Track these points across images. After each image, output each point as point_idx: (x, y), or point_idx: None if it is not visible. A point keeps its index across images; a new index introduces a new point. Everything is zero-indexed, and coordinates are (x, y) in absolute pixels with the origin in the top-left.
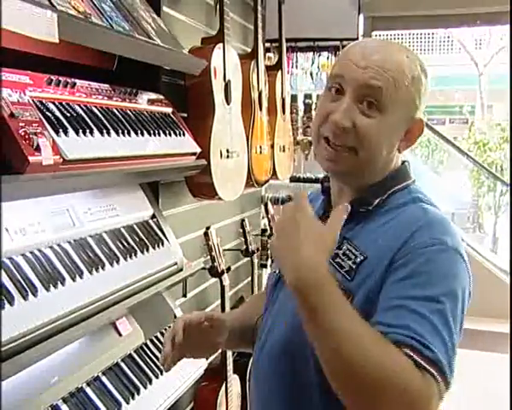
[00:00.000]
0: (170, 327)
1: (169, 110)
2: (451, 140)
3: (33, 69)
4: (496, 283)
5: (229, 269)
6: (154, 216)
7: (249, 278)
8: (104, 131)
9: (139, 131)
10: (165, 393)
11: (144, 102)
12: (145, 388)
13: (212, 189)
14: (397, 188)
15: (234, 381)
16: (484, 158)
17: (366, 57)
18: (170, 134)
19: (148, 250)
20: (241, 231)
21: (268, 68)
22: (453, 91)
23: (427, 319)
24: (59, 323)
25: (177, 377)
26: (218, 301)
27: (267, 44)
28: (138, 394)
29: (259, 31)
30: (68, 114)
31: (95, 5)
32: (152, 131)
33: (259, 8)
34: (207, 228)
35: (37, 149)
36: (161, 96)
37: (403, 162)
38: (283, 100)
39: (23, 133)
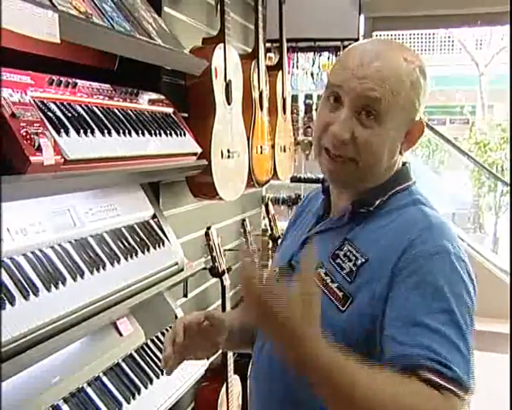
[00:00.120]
0: (171, 327)
1: (170, 110)
2: (452, 140)
3: (34, 69)
4: (496, 283)
5: (229, 269)
6: (154, 216)
7: None
8: (105, 131)
9: (140, 132)
10: (166, 393)
11: (145, 102)
12: (146, 388)
13: (212, 189)
14: (398, 189)
15: (234, 381)
16: (484, 158)
17: (364, 67)
18: (171, 134)
19: (148, 250)
20: (242, 231)
21: (269, 68)
22: (454, 92)
23: (442, 333)
24: (60, 323)
25: (178, 377)
26: (219, 302)
27: (268, 44)
28: (139, 394)
29: (260, 31)
30: (69, 114)
31: (96, 5)
32: (153, 132)
33: (260, 8)
34: (208, 228)
35: (39, 149)
36: (162, 97)
37: (403, 164)
38: (284, 100)
39: (24, 133)
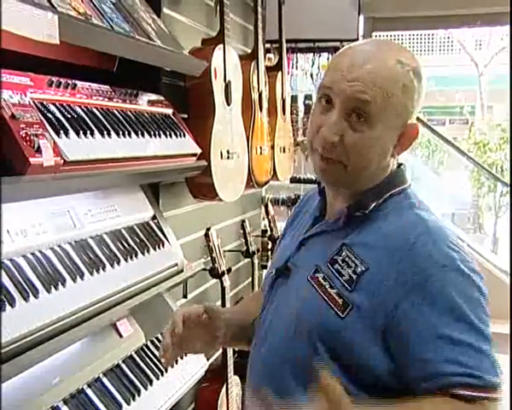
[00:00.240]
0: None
1: (169, 111)
2: (451, 141)
3: (34, 71)
4: (496, 283)
5: (229, 270)
6: (154, 217)
7: (250, 279)
8: (105, 132)
9: (140, 133)
10: (166, 394)
11: (145, 103)
12: (146, 389)
13: (212, 190)
14: (393, 192)
15: (234, 382)
16: (484, 159)
17: (355, 69)
18: (170, 135)
19: (148, 251)
20: (242, 231)
21: (268, 69)
22: (453, 92)
23: (466, 343)
24: (60, 324)
25: (178, 378)
26: (219, 303)
27: (267, 45)
28: (139, 395)
29: (260, 32)
30: (69, 116)
31: (95, 6)
32: (152, 133)
33: (259, 8)
34: (208, 229)
35: (38, 150)
36: (162, 98)
37: (399, 165)
38: (283, 101)
39: (24, 135)
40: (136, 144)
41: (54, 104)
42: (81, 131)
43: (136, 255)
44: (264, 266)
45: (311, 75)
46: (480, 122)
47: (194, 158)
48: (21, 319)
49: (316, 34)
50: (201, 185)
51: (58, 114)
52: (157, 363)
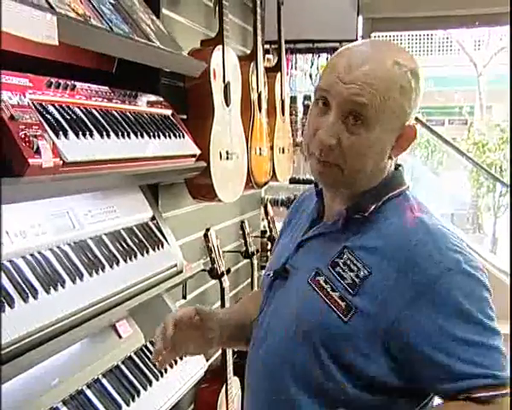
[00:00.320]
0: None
1: (168, 112)
2: (451, 141)
3: (33, 72)
4: (495, 284)
5: (228, 271)
6: (153, 218)
7: (249, 280)
8: (104, 133)
9: (139, 134)
10: (166, 395)
11: (144, 104)
12: (145, 390)
13: (211, 190)
14: (391, 194)
15: (234, 383)
16: (483, 159)
17: (352, 71)
18: (169, 136)
19: (147, 252)
20: (241, 232)
21: (267, 70)
22: (452, 92)
23: (479, 343)
24: (59, 325)
25: (178, 378)
26: (218, 303)
27: (266, 46)
28: (138, 396)
29: (259, 32)
30: (68, 117)
31: (94, 7)
32: (151, 134)
33: (258, 9)
34: (207, 230)
35: (37, 151)
36: (161, 98)
37: (397, 167)
38: (283, 101)
39: (23, 136)
40: (135, 145)
41: (53, 105)
42: (80, 132)
43: (135, 256)
44: (264, 267)
45: (310, 76)
46: (479, 122)
47: (194, 159)
48: (21, 320)
49: (315, 35)
50: (201, 186)
51: (57, 115)
52: (156, 364)
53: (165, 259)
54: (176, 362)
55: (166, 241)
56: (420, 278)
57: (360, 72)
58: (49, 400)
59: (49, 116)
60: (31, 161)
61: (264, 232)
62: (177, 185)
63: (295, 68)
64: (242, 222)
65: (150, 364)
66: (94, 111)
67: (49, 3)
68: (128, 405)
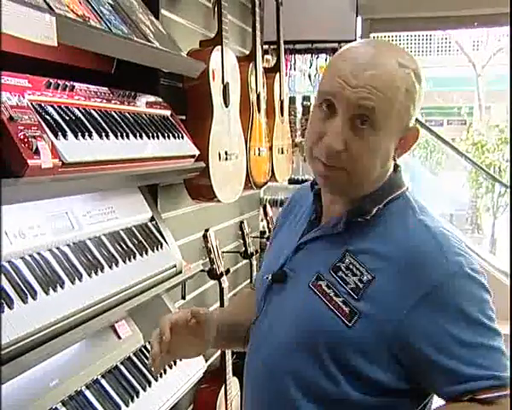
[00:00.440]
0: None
1: (167, 113)
2: (449, 141)
3: (32, 72)
4: (495, 284)
5: (228, 271)
6: (152, 219)
7: (248, 280)
8: (103, 134)
9: (138, 134)
10: (165, 395)
11: (143, 104)
12: (144, 390)
13: (210, 191)
14: (392, 197)
15: (233, 383)
16: (482, 159)
17: (357, 74)
18: (168, 137)
19: (146, 253)
20: (240, 233)
21: (266, 70)
22: (451, 93)
23: (482, 345)
24: (58, 326)
25: (177, 379)
26: (218, 304)
27: (265, 47)
28: (138, 396)
29: (257, 33)
30: (67, 118)
31: (93, 8)
32: (151, 134)
33: (257, 10)
34: (206, 230)
35: (37, 152)
36: (160, 99)
37: (395, 168)
38: (282, 102)
39: (22, 137)
40: (134, 146)
41: (52, 106)
42: (79, 133)
43: (134, 257)
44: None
45: (309, 76)
46: (477, 123)
47: (193, 159)
48: (20, 321)
49: (314, 35)
50: (200, 187)
51: (56, 116)
52: None
53: (165, 259)
54: (175, 363)
55: (165, 241)
56: (424, 282)
57: (367, 75)
58: (49, 400)
59: (48, 117)
60: (30, 161)
61: (263, 233)
62: (176, 186)
63: (294, 69)
64: (241, 223)
65: (148, 367)
66: (93, 112)
67: (47, 4)
68: (127, 405)
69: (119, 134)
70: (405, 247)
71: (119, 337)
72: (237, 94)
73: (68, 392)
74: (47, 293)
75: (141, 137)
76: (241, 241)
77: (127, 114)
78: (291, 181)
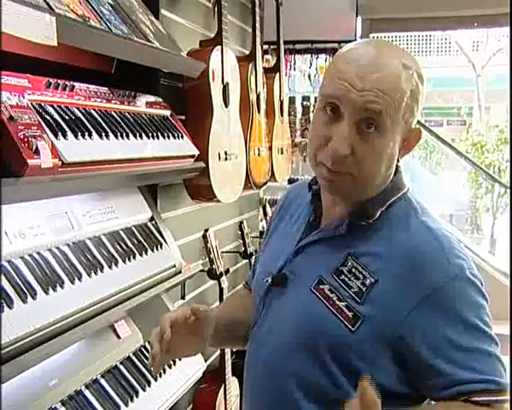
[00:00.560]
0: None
1: (167, 113)
2: (449, 142)
3: (32, 72)
4: (494, 284)
5: (227, 271)
6: (152, 219)
7: None
8: (103, 134)
9: (138, 134)
10: (164, 395)
11: (143, 104)
12: (144, 390)
13: (210, 191)
14: (394, 199)
15: (232, 383)
16: (482, 160)
17: (363, 78)
18: (168, 137)
19: (146, 253)
20: (240, 233)
21: (266, 70)
22: (451, 93)
23: (479, 350)
24: (58, 326)
25: (176, 379)
26: (217, 304)
27: (265, 47)
28: (137, 396)
29: (257, 33)
30: (67, 117)
31: (93, 8)
32: (150, 134)
33: (257, 10)
34: (206, 230)
35: (36, 152)
36: (160, 99)
37: (395, 170)
38: (281, 102)
39: (22, 136)
40: (134, 146)
41: (52, 106)
42: (79, 133)
43: (134, 257)
44: None
45: (309, 76)
46: (477, 123)
47: (192, 159)
48: (19, 321)
49: (313, 35)
50: (199, 187)
51: (56, 116)
52: None
53: (164, 259)
54: (174, 363)
55: (165, 241)
56: (425, 284)
57: (373, 78)
58: (48, 400)
59: (47, 117)
60: (30, 161)
61: (262, 233)
62: (175, 186)
63: (294, 69)
64: (241, 223)
65: (148, 366)
66: (93, 112)
67: (47, 4)
68: (126, 405)
69: (118, 134)
70: (407, 247)
71: (119, 337)
72: (237, 94)
73: (68, 392)
74: (47, 293)
75: (141, 137)
76: (241, 241)
77: (127, 114)
78: (291, 181)
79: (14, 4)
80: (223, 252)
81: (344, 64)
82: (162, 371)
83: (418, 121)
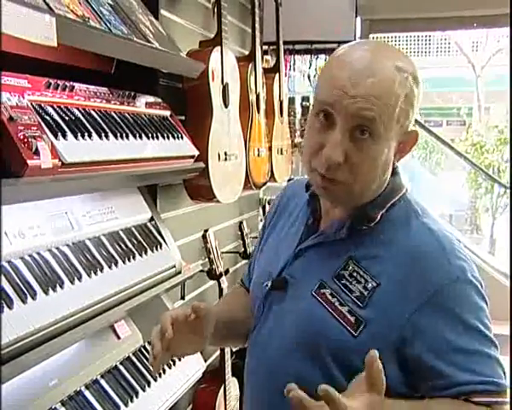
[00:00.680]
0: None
1: (167, 113)
2: (449, 142)
3: (32, 73)
4: (494, 285)
5: (227, 271)
6: (152, 219)
7: None
8: (102, 134)
9: (137, 135)
10: (164, 396)
11: (142, 105)
12: (144, 391)
13: (210, 191)
14: (394, 201)
15: (232, 383)
16: (481, 160)
17: (356, 83)
18: (168, 137)
19: (146, 253)
20: (240, 233)
21: (266, 71)
22: (450, 93)
23: (479, 352)
24: (58, 326)
25: (176, 379)
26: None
27: (265, 47)
28: (137, 397)
29: (257, 33)
30: (67, 118)
31: (93, 9)
32: (150, 135)
33: (257, 10)
34: (205, 231)
35: (36, 152)
36: (159, 99)
37: (393, 170)
38: (281, 102)
39: (22, 137)
40: (133, 146)
41: (51, 106)
42: (79, 133)
43: (133, 257)
44: None
45: (309, 77)
46: (477, 123)
47: (192, 160)
48: (19, 321)
49: (313, 36)
50: (199, 187)
51: (56, 116)
52: None
53: (164, 260)
54: (174, 363)
55: (165, 242)
56: (426, 286)
57: (367, 84)
58: (48, 400)
59: (47, 117)
60: (29, 161)
61: None
62: (175, 186)
63: (294, 69)
64: (241, 223)
65: (149, 365)
66: (92, 112)
67: (47, 5)
68: (126, 406)
69: (118, 134)
70: (408, 249)
71: (119, 337)
72: (237, 94)
73: (68, 392)
74: (46, 293)
75: (140, 137)
76: (241, 241)
77: (127, 115)
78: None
79: (14, 5)
80: (222, 252)
81: (337, 69)
82: (162, 372)
83: (417, 121)
